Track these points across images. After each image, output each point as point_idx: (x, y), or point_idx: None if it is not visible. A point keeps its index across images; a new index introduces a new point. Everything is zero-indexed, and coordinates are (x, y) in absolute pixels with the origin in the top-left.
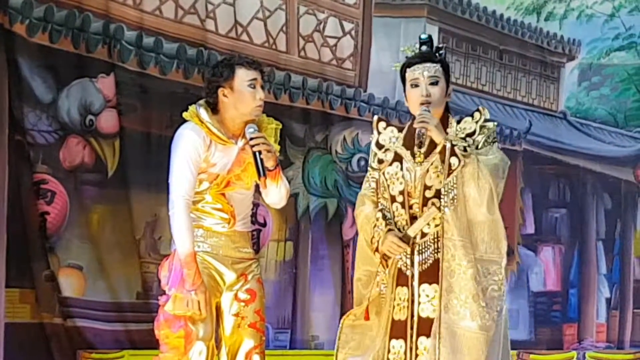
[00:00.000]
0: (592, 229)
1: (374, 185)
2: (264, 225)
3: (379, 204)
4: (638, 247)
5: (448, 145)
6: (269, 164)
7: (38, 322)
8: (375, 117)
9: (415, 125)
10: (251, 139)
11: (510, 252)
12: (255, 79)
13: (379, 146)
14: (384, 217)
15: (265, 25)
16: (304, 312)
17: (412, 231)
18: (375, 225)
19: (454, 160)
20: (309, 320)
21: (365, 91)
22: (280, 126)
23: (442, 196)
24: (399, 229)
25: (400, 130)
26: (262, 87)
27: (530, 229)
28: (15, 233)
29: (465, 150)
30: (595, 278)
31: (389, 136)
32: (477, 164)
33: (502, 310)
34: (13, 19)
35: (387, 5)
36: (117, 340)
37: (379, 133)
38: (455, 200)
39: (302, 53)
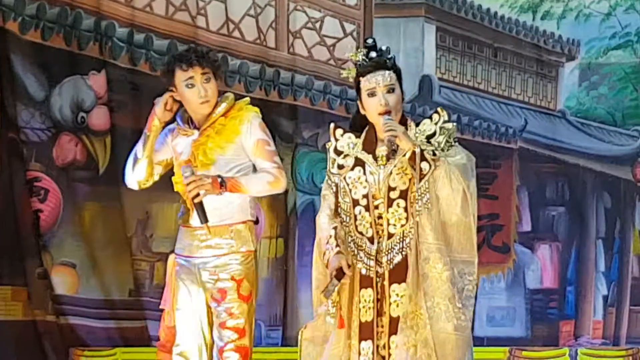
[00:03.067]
0: (592, 227)
1: (334, 189)
2: (257, 222)
3: (339, 209)
4: (637, 246)
5: (418, 150)
6: (216, 192)
7: (30, 319)
8: (332, 125)
9: (384, 135)
10: (188, 184)
11: (506, 250)
12: (191, 77)
13: (338, 152)
14: (336, 235)
15: (256, 22)
16: (293, 309)
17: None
18: (327, 242)
19: (424, 165)
20: (297, 317)
21: None
22: (258, 111)
23: (416, 201)
24: (360, 232)
25: (357, 136)
26: (210, 79)
27: (526, 226)
28: (8, 231)
29: (434, 154)
30: (593, 276)
31: (347, 142)
32: (447, 166)
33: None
34: (6, 16)
35: (386, 5)
36: (110, 338)
37: (337, 140)
38: (428, 204)
39: (291, 50)
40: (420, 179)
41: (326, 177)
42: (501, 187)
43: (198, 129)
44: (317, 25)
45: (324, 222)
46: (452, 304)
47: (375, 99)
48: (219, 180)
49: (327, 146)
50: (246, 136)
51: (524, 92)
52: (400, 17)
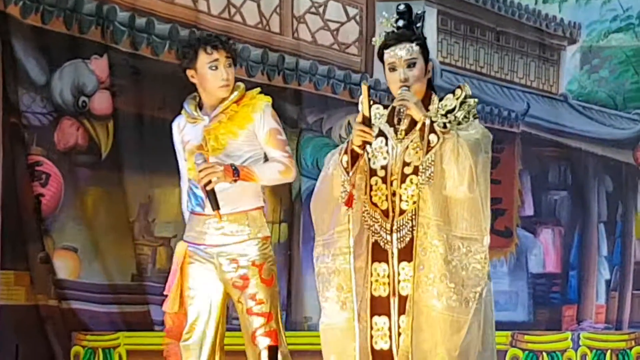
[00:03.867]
0: (593, 211)
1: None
2: None
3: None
4: (639, 229)
5: (427, 122)
6: (228, 180)
7: (33, 304)
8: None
9: (395, 104)
10: (200, 171)
11: (509, 234)
12: (216, 60)
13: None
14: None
15: (258, 6)
16: (297, 293)
17: (365, 110)
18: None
19: (432, 137)
20: (302, 301)
21: (371, 77)
22: (270, 100)
23: (419, 173)
24: (374, 204)
25: (385, 107)
26: (231, 64)
27: (529, 210)
28: (10, 215)
29: (445, 126)
30: (596, 260)
31: (375, 113)
32: (456, 140)
33: (483, 291)
34: (7, 0)
35: None
36: (112, 322)
37: None
38: (432, 178)
39: (295, 35)
40: (427, 152)
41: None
42: (504, 171)
43: (207, 115)
44: (321, 9)
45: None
46: (443, 282)
47: (396, 74)
48: (232, 168)
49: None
50: (259, 124)
51: (526, 75)
52: (402, 0)
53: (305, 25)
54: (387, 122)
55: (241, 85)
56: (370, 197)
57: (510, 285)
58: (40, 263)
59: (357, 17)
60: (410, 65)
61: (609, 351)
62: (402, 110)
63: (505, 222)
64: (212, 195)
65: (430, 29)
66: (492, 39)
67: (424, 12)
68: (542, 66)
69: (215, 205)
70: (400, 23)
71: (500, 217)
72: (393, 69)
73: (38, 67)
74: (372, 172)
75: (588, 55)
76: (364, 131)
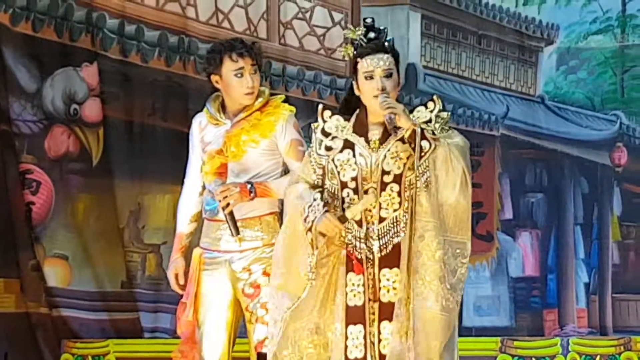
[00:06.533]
0: (569, 213)
1: (319, 171)
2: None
3: (325, 190)
4: (616, 232)
5: (418, 129)
6: (245, 200)
7: (23, 311)
8: (320, 106)
9: (383, 112)
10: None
11: (490, 238)
12: (241, 68)
13: (325, 134)
14: (322, 199)
15: (246, 12)
16: None
17: (349, 213)
18: (310, 205)
19: (424, 143)
20: None
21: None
22: (294, 111)
23: (416, 179)
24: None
25: (346, 119)
26: (256, 71)
27: (508, 214)
28: (1, 223)
29: (433, 133)
30: (573, 263)
31: (335, 124)
32: (447, 147)
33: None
34: None
35: None
36: (102, 329)
37: (324, 121)
38: (429, 183)
39: (282, 41)
40: (420, 157)
41: (310, 160)
42: (484, 174)
43: (230, 119)
44: (307, 15)
45: (302, 189)
46: (442, 284)
47: (373, 82)
48: (248, 187)
49: (313, 126)
50: (281, 134)
51: (506, 78)
52: (386, 5)
53: (292, 31)
54: (355, 132)
55: (266, 91)
56: (343, 209)
57: (493, 290)
58: (31, 271)
59: (342, 22)
60: (388, 75)
61: (598, 356)
62: (392, 117)
63: (487, 226)
64: (231, 220)
65: (414, 33)
66: (474, 42)
67: (386, 28)
68: (521, 68)
69: (235, 231)
70: (372, 35)
71: (482, 221)
72: (370, 77)
73: (28, 74)
74: (343, 185)
75: (565, 56)
76: (337, 226)
